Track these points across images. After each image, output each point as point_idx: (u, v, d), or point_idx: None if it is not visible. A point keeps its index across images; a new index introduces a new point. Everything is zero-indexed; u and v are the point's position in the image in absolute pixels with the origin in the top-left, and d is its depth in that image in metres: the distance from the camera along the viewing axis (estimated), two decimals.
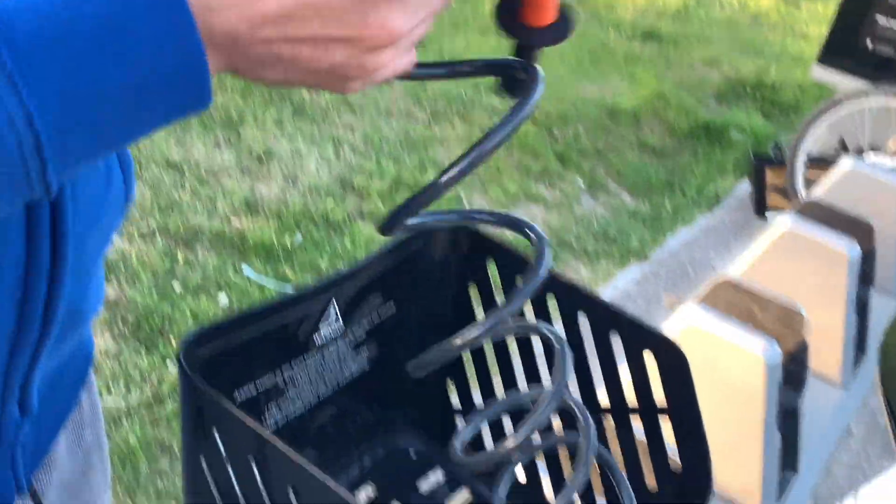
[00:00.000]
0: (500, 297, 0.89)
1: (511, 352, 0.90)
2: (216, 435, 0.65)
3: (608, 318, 0.83)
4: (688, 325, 1.76)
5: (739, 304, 2.44)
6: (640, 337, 0.82)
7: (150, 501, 1.98)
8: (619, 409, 0.87)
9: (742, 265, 2.52)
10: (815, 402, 1.53)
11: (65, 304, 0.66)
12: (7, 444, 0.68)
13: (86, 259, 0.71)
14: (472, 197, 3.33)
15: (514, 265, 0.87)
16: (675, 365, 0.81)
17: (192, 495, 0.71)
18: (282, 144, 3.48)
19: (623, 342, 0.83)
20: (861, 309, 1.66)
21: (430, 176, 3.36)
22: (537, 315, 0.86)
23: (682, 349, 0.80)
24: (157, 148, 3.26)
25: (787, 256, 2.42)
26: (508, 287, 0.87)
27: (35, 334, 0.65)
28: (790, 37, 5.94)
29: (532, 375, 0.91)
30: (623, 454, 0.88)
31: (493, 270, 0.90)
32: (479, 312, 0.91)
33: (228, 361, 0.73)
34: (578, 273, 3.14)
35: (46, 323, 0.66)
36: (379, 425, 0.97)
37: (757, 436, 1.66)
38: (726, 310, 2.51)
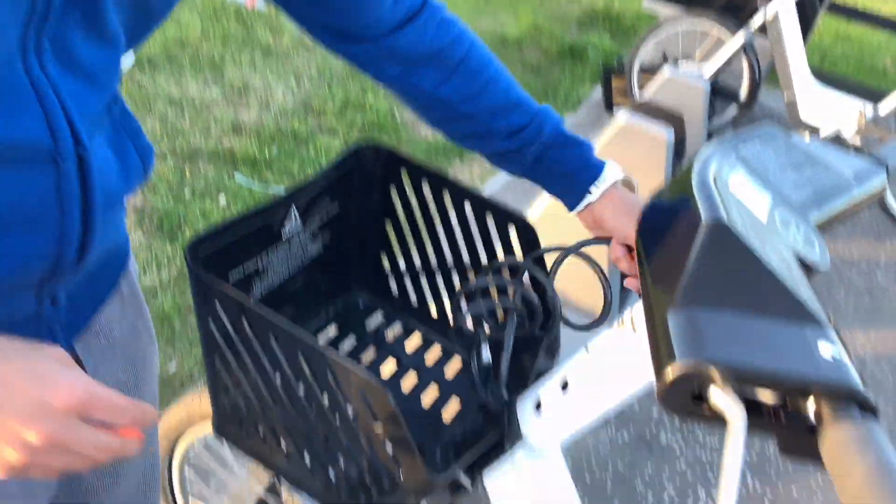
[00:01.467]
0: (411, 195, 0.92)
1: (424, 237, 0.94)
2: (217, 305, 0.69)
3: (484, 204, 0.87)
4: (549, 200, 1.82)
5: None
6: (506, 216, 0.86)
7: (184, 348, 2.02)
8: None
9: (599, 148, 2.58)
10: None
11: (95, 252, 0.60)
12: (45, 324, 0.63)
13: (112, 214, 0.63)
14: (402, 111, 3.28)
15: (420, 173, 0.90)
16: (530, 235, 0.86)
17: (207, 347, 0.75)
18: (256, 79, 3.37)
19: (494, 220, 0.87)
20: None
21: (371, 97, 3.30)
22: (438, 204, 0.90)
23: (534, 225, 0.85)
24: (160, 88, 3.14)
25: (625, 142, 2.49)
26: (417, 188, 0.90)
27: (71, 266, 0.58)
28: None
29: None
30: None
31: (405, 176, 0.92)
32: (398, 205, 0.94)
33: (222, 254, 0.75)
34: (471, 169, 3.15)
35: (81, 259, 0.59)
36: (337, 288, 1.01)
37: None
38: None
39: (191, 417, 1.10)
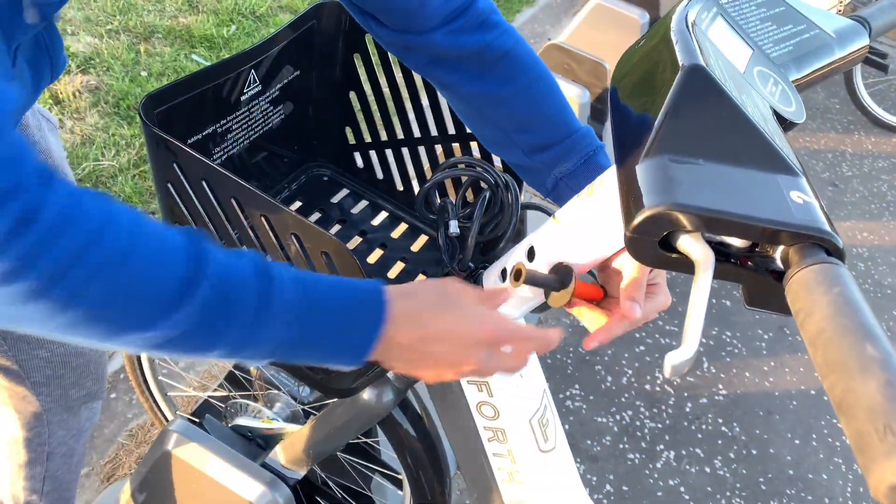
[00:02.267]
0: (377, 62, 0.88)
1: (389, 108, 0.91)
2: (176, 168, 0.66)
3: None
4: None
5: (562, 61, 2.45)
6: None
7: None
8: (461, 133, 0.90)
9: (566, 33, 2.51)
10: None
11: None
12: None
13: None
14: None
15: None
16: None
17: (167, 212, 0.73)
18: None
19: None
20: None
21: None
22: (404, 72, 0.86)
23: None
24: None
25: (598, 25, 2.42)
26: (383, 55, 0.86)
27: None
28: None
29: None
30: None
31: (370, 43, 0.88)
32: (363, 73, 0.90)
33: (178, 116, 0.72)
34: None
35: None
36: (302, 162, 0.98)
37: None
38: (553, 67, 2.53)
39: None
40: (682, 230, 0.40)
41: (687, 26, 0.51)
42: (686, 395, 1.96)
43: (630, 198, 0.42)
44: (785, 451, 1.88)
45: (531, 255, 0.72)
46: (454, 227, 0.83)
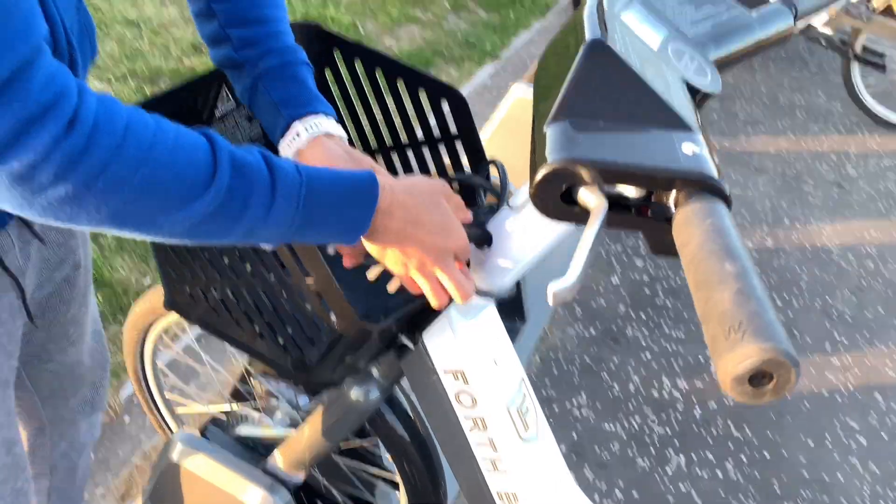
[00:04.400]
0: (345, 74, 0.94)
1: (360, 116, 0.96)
2: None
3: (417, 78, 0.89)
4: (516, 97, 1.84)
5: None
6: (438, 88, 0.88)
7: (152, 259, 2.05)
8: (430, 139, 0.96)
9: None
10: None
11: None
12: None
13: None
14: (364, 22, 3.24)
15: (353, 51, 0.91)
16: (461, 105, 0.88)
17: None
18: None
19: (427, 94, 0.89)
20: None
21: (333, 10, 3.24)
22: (371, 82, 0.92)
23: (463, 95, 0.88)
24: (116, 10, 3.08)
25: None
26: (350, 67, 0.92)
27: None
28: None
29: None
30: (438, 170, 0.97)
31: (338, 56, 0.93)
32: (334, 88, 0.96)
33: None
34: (449, 74, 3.14)
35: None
36: None
37: None
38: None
39: (156, 310, 1.14)
40: (580, 183, 0.45)
41: (598, 10, 0.56)
42: (695, 399, 1.97)
43: (536, 158, 0.46)
44: (799, 453, 1.87)
45: (489, 243, 0.77)
46: None
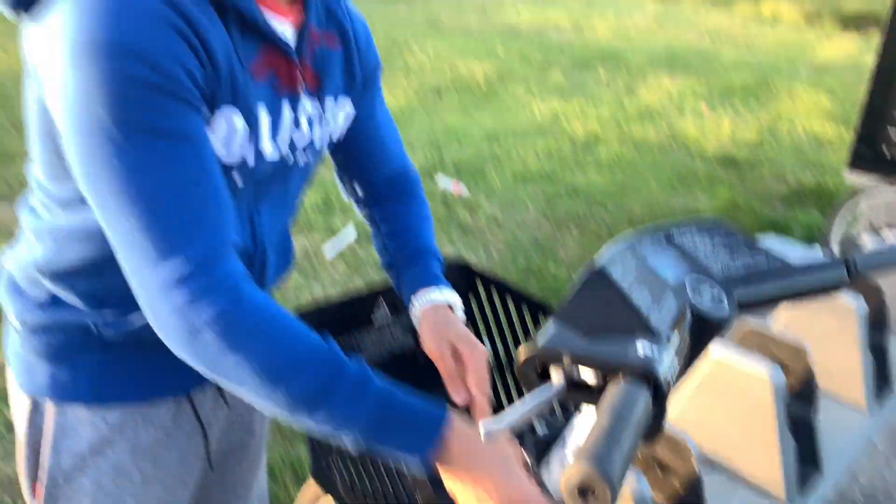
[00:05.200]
0: (485, 299, 1.15)
1: (495, 336, 1.15)
2: None
3: (538, 307, 1.07)
4: (715, 358, 1.91)
5: (761, 343, 2.50)
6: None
7: None
8: None
9: (777, 317, 2.54)
10: (842, 422, 1.49)
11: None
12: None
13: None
14: None
15: (489, 282, 1.12)
16: None
17: None
18: (450, 250, 3.81)
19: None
20: (877, 351, 1.61)
21: (553, 266, 3.57)
22: (504, 306, 1.11)
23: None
24: (370, 256, 3.71)
25: (810, 310, 2.45)
26: (489, 296, 1.12)
27: None
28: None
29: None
30: None
31: (479, 283, 1.14)
32: (475, 308, 1.17)
33: (327, 325, 1.03)
34: None
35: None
36: (432, 385, 1.22)
37: (773, 436, 1.70)
38: (748, 346, 2.56)
39: (318, 492, 1.34)
40: (550, 362, 0.59)
41: (623, 252, 0.72)
42: None
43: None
44: None
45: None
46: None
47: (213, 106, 0.75)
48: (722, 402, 2.19)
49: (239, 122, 0.77)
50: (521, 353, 0.60)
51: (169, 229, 0.69)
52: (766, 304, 0.77)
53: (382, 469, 0.91)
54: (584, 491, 0.43)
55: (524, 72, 7.45)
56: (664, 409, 0.57)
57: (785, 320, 2.66)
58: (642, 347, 0.59)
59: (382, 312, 1.09)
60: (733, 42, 11.07)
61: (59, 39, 0.67)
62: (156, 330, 0.72)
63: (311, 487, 1.38)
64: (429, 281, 0.99)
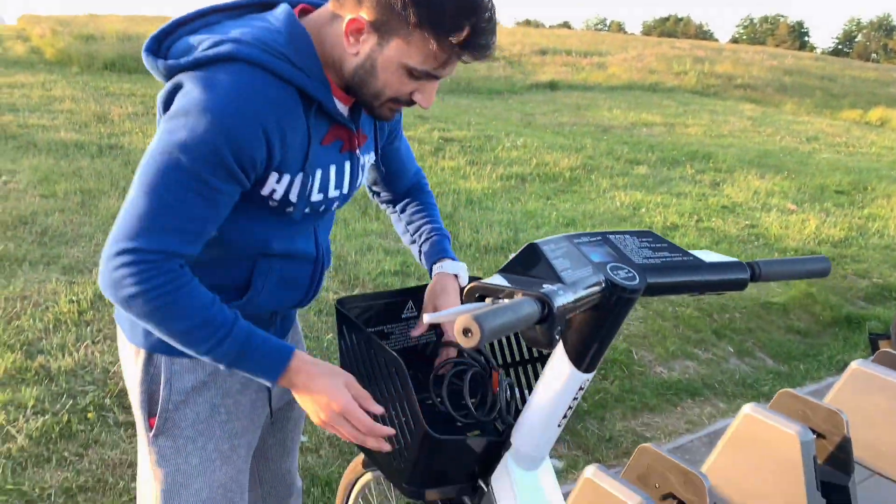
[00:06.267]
0: None
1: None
2: (353, 338, 1.25)
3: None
4: (745, 413, 2.07)
5: (795, 407, 2.61)
6: None
7: None
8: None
9: (831, 394, 2.62)
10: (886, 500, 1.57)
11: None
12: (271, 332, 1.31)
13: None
14: (639, 350, 3.67)
15: None
16: None
17: (343, 367, 1.30)
18: None
19: None
20: None
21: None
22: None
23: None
24: None
25: (861, 388, 2.53)
26: None
27: (304, 303, 1.31)
28: None
29: None
30: None
31: None
32: None
33: (360, 315, 1.34)
34: (716, 406, 3.32)
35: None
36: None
37: (800, 496, 1.82)
38: (782, 409, 2.67)
39: (363, 468, 1.61)
40: (488, 294, 0.88)
41: (563, 238, 1.01)
42: None
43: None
44: None
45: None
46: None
47: (280, 172, 1.10)
48: (751, 456, 2.33)
49: (308, 177, 1.14)
50: (469, 289, 0.89)
51: (151, 224, 1.01)
52: (675, 289, 1.02)
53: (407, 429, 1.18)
54: (465, 331, 0.71)
55: (610, 165, 7.76)
56: (553, 326, 0.83)
57: (833, 395, 2.76)
58: (547, 286, 0.86)
59: (409, 309, 1.39)
60: (833, 146, 11.03)
61: (188, 97, 1.01)
62: (99, 276, 1.05)
63: (356, 465, 1.64)
64: (440, 255, 1.36)
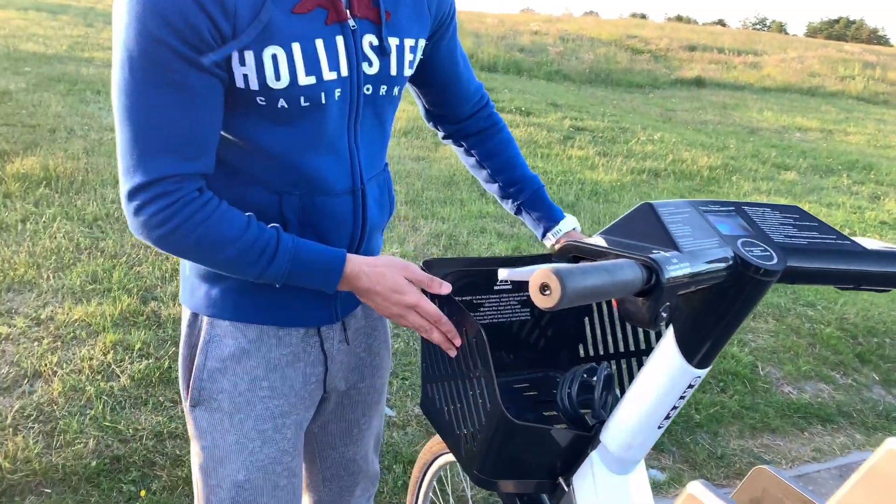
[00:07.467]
0: None
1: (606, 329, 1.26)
2: (435, 302, 1.12)
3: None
4: (888, 448, 1.83)
5: (774, 493, 2.26)
6: None
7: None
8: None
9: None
10: None
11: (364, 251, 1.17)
12: (332, 303, 1.17)
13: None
14: (766, 366, 3.35)
15: None
16: None
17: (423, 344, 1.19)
18: None
19: None
20: None
21: (737, 349, 3.45)
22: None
23: None
24: None
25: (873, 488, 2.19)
26: None
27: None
28: None
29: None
30: None
31: None
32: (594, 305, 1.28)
33: (447, 280, 1.20)
34: (853, 437, 2.98)
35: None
36: (542, 363, 1.34)
37: None
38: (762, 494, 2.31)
39: (442, 448, 1.50)
40: (584, 255, 0.73)
41: (687, 203, 0.84)
42: None
43: None
44: None
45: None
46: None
47: (243, 48, 0.92)
48: (892, 497, 2.01)
49: (281, 54, 0.94)
50: (562, 247, 0.75)
51: (141, 152, 0.92)
52: (822, 277, 0.83)
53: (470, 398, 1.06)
54: (543, 287, 0.57)
55: (754, 168, 7.24)
56: (659, 301, 0.68)
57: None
58: (658, 253, 0.71)
59: (502, 284, 1.26)
60: None
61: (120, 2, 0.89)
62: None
63: (433, 445, 1.54)
64: (553, 217, 1.30)
